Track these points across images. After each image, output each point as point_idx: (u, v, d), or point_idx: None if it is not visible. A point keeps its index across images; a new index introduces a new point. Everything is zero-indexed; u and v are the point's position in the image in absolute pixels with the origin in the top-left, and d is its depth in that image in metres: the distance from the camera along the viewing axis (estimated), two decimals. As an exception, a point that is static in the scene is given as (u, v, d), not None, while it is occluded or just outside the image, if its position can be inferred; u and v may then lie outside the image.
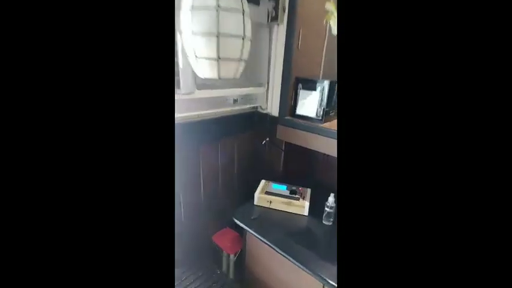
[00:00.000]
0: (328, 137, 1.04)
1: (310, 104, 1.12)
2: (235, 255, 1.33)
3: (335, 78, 0.96)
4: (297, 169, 1.46)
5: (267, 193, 1.22)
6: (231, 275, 1.36)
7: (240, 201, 1.27)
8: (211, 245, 1.36)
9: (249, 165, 1.45)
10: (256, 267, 1.17)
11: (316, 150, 1.12)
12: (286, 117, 1.18)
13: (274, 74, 1.23)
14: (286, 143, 1.27)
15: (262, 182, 1.33)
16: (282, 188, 1.27)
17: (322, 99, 1.07)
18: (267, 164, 1.42)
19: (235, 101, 1.18)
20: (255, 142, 1.40)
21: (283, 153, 1.32)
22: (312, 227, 1.11)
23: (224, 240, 1.34)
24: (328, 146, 1.05)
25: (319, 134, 1.08)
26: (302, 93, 1.14)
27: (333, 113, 1.17)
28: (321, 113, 1.09)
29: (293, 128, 1.16)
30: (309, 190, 1.26)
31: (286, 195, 1.20)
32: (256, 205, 1.23)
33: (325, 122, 1.10)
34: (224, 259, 1.38)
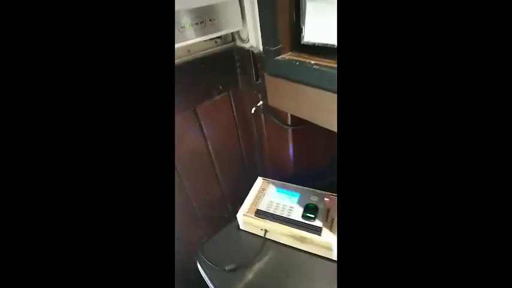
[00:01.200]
0: None
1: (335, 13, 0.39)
2: None
3: None
4: (320, 156, 0.81)
5: (259, 214, 0.64)
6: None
7: (215, 219, 0.74)
8: None
9: (232, 153, 0.84)
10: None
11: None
12: (278, 58, 0.48)
13: None
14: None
15: (258, 182, 0.73)
16: (291, 198, 0.66)
17: None
18: (266, 148, 0.79)
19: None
20: (239, 109, 0.76)
21: (290, 130, 0.66)
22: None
23: None
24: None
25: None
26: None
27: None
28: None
29: (295, 81, 0.47)
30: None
31: (295, 223, 0.60)
32: (243, 230, 0.68)
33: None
34: None
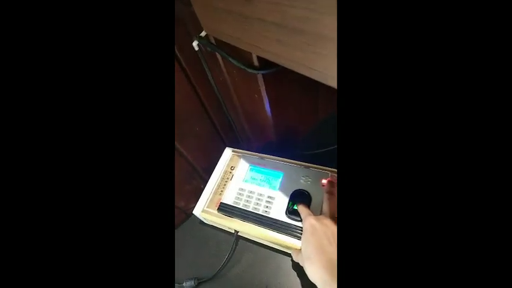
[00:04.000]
0: None
1: None
2: None
3: None
4: (312, 111, 0.54)
5: (224, 210, 0.43)
6: None
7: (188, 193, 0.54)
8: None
9: (191, 113, 0.57)
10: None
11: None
12: None
13: None
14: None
15: (225, 155, 0.51)
16: (271, 180, 0.44)
17: None
18: (235, 101, 0.52)
19: None
20: (183, 45, 0.46)
21: (260, 76, 0.39)
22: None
23: None
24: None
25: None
26: None
27: None
28: None
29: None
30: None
31: (275, 225, 0.39)
32: (209, 225, 0.49)
33: None
34: None
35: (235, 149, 0.51)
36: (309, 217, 0.34)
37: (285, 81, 0.42)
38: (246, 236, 0.45)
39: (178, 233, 0.50)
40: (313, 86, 0.49)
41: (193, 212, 0.45)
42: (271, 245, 0.43)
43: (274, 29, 0.20)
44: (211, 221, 0.45)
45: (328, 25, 0.16)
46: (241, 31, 0.24)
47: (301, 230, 0.37)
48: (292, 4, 0.17)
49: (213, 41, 0.37)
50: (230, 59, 0.37)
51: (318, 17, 0.17)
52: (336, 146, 0.46)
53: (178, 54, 0.44)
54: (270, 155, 0.47)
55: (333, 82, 0.19)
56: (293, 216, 0.39)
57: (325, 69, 0.19)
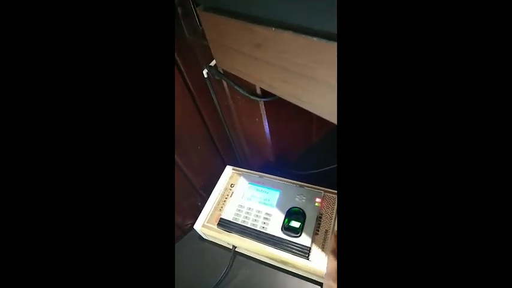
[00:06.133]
0: None
1: None
2: None
3: None
4: (308, 135, 0.58)
5: (224, 226, 0.45)
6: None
7: (186, 210, 0.57)
8: None
9: (196, 134, 0.61)
10: None
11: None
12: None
13: None
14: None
15: (226, 173, 0.54)
16: (269, 198, 0.47)
17: None
18: (237, 125, 0.56)
19: None
20: (192, 72, 0.51)
21: (262, 103, 0.43)
22: None
23: None
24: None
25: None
26: None
27: None
28: None
29: (242, 16, 0.23)
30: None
31: (272, 240, 0.42)
32: (208, 241, 0.51)
33: None
34: None
35: (236, 168, 0.54)
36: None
37: (283, 108, 0.47)
38: (243, 252, 0.47)
39: (178, 247, 0.52)
40: (307, 113, 0.54)
41: (194, 226, 0.48)
42: (267, 261, 0.45)
43: (280, 71, 0.24)
44: (210, 236, 0.48)
45: (322, 72, 0.21)
46: (250, 69, 0.28)
47: (296, 246, 0.40)
48: (295, 54, 0.22)
49: (221, 70, 0.42)
50: (236, 87, 0.41)
51: (314, 66, 0.21)
52: (328, 168, 0.50)
53: (187, 79, 0.49)
54: (268, 174, 0.51)
55: (324, 114, 0.24)
56: (288, 232, 0.41)
57: (319, 104, 0.24)
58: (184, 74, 0.49)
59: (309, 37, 0.19)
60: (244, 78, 0.32)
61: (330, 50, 0.19)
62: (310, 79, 0.22)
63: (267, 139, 0.51)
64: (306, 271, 0.40)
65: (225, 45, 0.30)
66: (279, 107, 0.46)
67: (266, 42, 0.23)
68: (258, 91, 0.41)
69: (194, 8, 0.37)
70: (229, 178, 0.52)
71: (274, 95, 0.41)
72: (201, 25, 0.39)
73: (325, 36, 0.19)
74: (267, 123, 0.47)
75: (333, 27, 0.17)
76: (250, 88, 0.41)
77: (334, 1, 0.16)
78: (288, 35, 0.21)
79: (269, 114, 0.45)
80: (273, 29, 0.22)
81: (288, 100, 0.27)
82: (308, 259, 0.39)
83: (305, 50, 0.20)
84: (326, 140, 0.63)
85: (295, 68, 0.23)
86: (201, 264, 0.49)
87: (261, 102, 0.43)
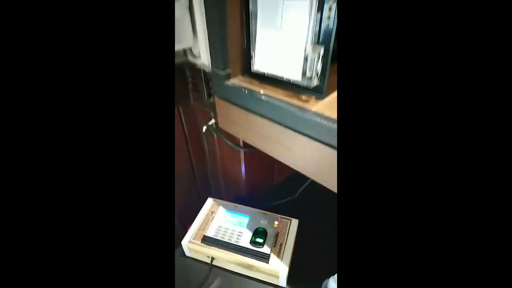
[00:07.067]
0: (325, 143, 0.35)
1: (286, 41, 0.38)
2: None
3: None
4: (273, 177, 0.80)
5: (207, 241, 0.60)
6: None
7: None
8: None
9: (183, 172, 0.79)
10: None
11: (300, 169, 0.43)
12: (228, 82, 0.46)
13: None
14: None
15: (208, 203, 0.70)
16: (241, 221, 0.64)
17: (322, 29, 0.33)
18: (219, 168, 0.75)
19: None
20: (190, 125, 0.71)
21: (242, 152, 0.64)
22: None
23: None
24: (330, 165, 0.37)
25: (304, 133, 0.38)
26: (264, 8, 0.38)
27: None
28: (315, 71, 0.36)
29: (243, 108, 0.45)
30: (295, 223, 0.63)
31: (243, 250, 0.58)
32: (189, 257, 0.63)
33: (328, 93, 0.38)
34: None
35: (215, 199, 0.71)
36: None
37: (257, 155, 0.68)
38: (219, 265, 0.61)
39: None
40: (272, 163, 0.76)
41: (182, 242, 0.61)
42: (238, 270, 0.60)
43: (267, 140, 0.46)
44: (194, 250, 0.61)
45: (292, 141, 0.42)
46: (244, 134, 0.49)
47: (260, 253, 0.56)
48: (286, 138, 0.44)
49: (216, 128, 0.63)
50: (225, 139, 0.62)
51: (292, 145, 0.43)
52: (284, 201, 0.70)
53: (185, 129, 0.69)
54: (240, 204, 0.69)
55: (289, 163, 0.45)
56: (255, 245, 0.58)
57: (286, 157, 0.45)
58: (184, 127, 0.69)
59: (309, 139, 0.42)
60: (237, 137, 0.52)
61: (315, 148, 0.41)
62: (283, 145, 0.44)
63: (242, 178, 0.70)
64: (266, 273, 0.56)
65: (230, 120, 0.51)
66: (255, 155, 0.67)
67: (255, 121, 0.45)
68: (241, 143, 0.62)
69: (207, 89, 0.59)
70: (211, 207, 0.69)
71: (253, 147, 0.62)
72: (209, 98, 0.60)
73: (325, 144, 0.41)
74: (243, 167, 0.67)
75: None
76: (235, 141, 0.62)
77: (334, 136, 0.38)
78: (289, 133, 0.43)
79: (246, 160, 0.66)
80: (278, 125, 0.43)
81: (264, 152, 0.48)
82: (268, 263, 0.55)
83: (296, 142, 0.42)
84: (283, 183, 0.85)
85: (281, 139, 0.44)
86: (180, 278, 0.60)
87: (242, 152, 0.64)
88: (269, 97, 0.41)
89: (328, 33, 0.33)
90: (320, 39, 0.34)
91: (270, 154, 0.46)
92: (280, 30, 0.38)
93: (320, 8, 0.32)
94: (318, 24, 0.33)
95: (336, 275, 0.49)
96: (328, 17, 0.32)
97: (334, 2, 0.31)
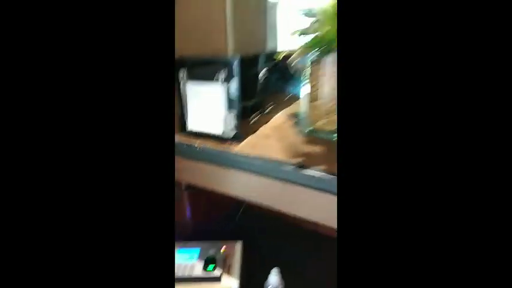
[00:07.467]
0: (253, 172, 0.53)
1: (209, 108, 0.56)
2: None
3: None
4: (217, 210, 0.93)
5: (162, 280, 0.66)
6: None
7: None
8: None
9: None
10: None
11: (234, 194, 0.59)
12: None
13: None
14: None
15: (158, 248, 0.76)
16: (192, 256, 0.73)
17: (231, 98, 0.53)
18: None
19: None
20: None
21: (186, 193, 0.76)
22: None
23: None
24: (255, 187, 0.54)
25: (232, 167, 0.55)
26: (191, 88, 0.57)
27: (265, 111, 0.64)
28: (231, 125, 0.55)
29: (184, 156, 0.60)
30: (238, 245, 0.76)
31: (196, 279, 0.67)
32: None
33: (243, 139, 0.57)
34: None
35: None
36: None
37: (202, 194, 0.80)
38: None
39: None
40: (211, 195, 0.89)
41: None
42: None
43: (207, 178, 0.60)
44: None
45: (223, 174, 0.58)
46: (189, 177, 0.63)
47: (212, 278, 0.66)
48: (214, 169, 0.59)
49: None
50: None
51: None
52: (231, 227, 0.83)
53: None
54: (191, 239, 0.78)
55: (226, 191, 0.60)
56: (207, 272, 0.68)
57: (224, 187, 0.60)
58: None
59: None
60: (186, 181, 0.65)
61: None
62: (220, 180, 0.59)
63: (188, 221, 0.80)
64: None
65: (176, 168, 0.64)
66: (200, 194, 0.79)
67: (199, 166, 0.59)
68: (183, 187, 0.74)
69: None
70: (162, 249, 0.75)
71: (195, 188, 0.75)
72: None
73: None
74: (188, 209, 0.78)
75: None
76: (177, 184, 0.74)
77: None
78: (220, 168, 0.58)
79: (190, 200, 0.78)
80: (212, 165, 0.58)
81: (204, 186, 0.62)
82: (219, 282, 0.66)
83: (227, 174, 0.58)
84: (225, 213, 0.97)
85: (213, 175, 0.59)
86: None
87: (186, 193, 0.76)
88: (204, 148, 0.57)
89: (236, 101, 0.53)
90: (231, 105, 0.54)
91: (216, 188, 0.61)
92: (204, 102, 0.56)
93: (228, 87, 0.52)
94: (227, 96, 0.53)
95: (275, 269, 0.63)
96: (235, 90, 0.52)
97: (236, 80, 0.51)
